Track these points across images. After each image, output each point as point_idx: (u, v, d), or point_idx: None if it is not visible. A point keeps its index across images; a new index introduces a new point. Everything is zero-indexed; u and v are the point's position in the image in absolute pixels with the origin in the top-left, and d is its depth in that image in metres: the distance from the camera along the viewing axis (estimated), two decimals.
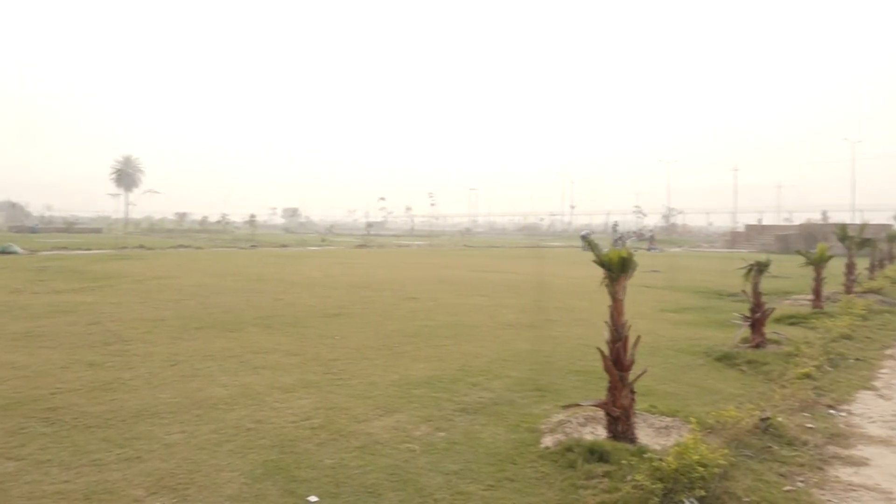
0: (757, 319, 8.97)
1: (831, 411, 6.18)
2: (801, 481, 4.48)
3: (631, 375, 5.10)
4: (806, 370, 7.23)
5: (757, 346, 8.76)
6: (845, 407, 6.38)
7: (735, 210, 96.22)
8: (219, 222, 78.47)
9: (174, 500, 4.01)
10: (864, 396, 6.83)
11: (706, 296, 16.26)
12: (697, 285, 18.54)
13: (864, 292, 15.43)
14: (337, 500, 4.05)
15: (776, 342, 9.12)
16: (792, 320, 11.67)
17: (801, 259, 13.93)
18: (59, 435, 5.11)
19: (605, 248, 5.34)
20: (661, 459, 4.09)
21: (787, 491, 4.27)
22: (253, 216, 70.88)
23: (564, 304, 13.75)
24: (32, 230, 57.17)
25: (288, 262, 26.64)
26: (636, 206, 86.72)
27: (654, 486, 3.86)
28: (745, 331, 9.16)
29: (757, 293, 9.13)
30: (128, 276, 18.31)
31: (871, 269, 20.37)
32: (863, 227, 18.41)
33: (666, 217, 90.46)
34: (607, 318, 5.23)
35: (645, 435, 5.18)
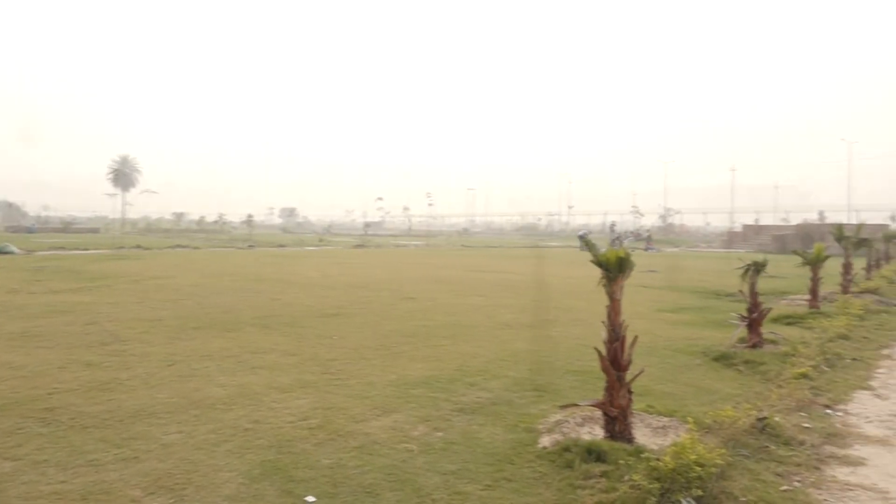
0: (754, 319, 8.99)
1: (828, 411, 6.20)
2: (798, 481, 4.49)
3: (628, 375, 5.11)
4: (803, 370, 7.25)
5: (754, 346, 8.78)
6: (842, 407, 6.40)
7: (732, 210, 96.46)
8: (216, 222, 78.42)
9: (171, 501, 4.01)
10: (861, 396, 6.84)
11: (703, 296, 16.28)
12: (695, 285, 18.55)
13: (861, 292, 15.47)
14: (335, 500, 4.05)
15: (773, 342, 9.13)
16: (789, 320, 11.69)
17: (798, 259, 13.95)
18: (55, 435, 5.10)
19: (603, 248, 5.34)
20: (658, 459, 4.10)
21: (784, 491, 4.28)
22: (250, 216, 70.92)
23: (562, 304, 13.75)
24: (29, 230, 57.08)
25: (285, 262, 26.61)
26: (633, 206, 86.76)
27: (651, 486, 3.86)
28: (742, 331, 9.17)
29: (754, 293, 9.14)
30: (125, 276, 18.28)
31: (868, 269, 20.41)
32: (859, 227, 18.45)
33: (663, 217, 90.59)
34: (605, 317, 5.23)
35: (642, 435, 5.19)
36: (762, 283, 10.04)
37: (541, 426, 5.46)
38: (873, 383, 7.41)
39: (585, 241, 6.11)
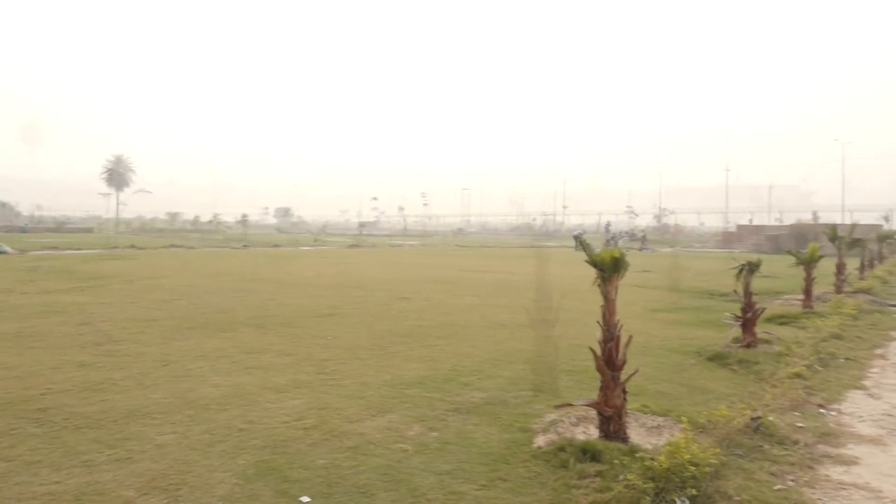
0: (748, 319, 9.01)
1: (822, 410, 6.22)
2: (792, 480, 4.50)
3: (623, 375, 5.12)
4: (797, 370, 7.27)
5: (748, 346, 8.80)
6: (836, 406, 6.42)
7: (727, 210, 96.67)
8: (210, 222, 78.13)
9: (166, 501, 3.99)
10: (855, 396, 6.87)
11: (698, 296, 16.31)
12: (689, 285, 18.59)
13: (855, 292, 15.54)
14: (329, 501, 4.05)
15: (767, 342, 9.16)
16: (783, 320, 11.73)
17: (792, 259, 14.00)
18: (49, 436, 5.08)
19: (598, 248, 5.35)
20: (652, 459, 4.11)
21: (778, 490, 4.29)
22: (245, 216, 70.73)
23: (557, 304, 13.75)
24: (23, 230, 56.84)
25: (280, 262, 26.57)
26: (628, 206, 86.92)
27: (645, 486, 3.87)
28: (736, 330, 9.19)
29: (748, 293, 9.17)
30: (119, 276, 18.22)
31: (862, 269, 20.51)
32: (853, 227, 18.56)
33: (658, 217, 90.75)
34: (599, 317, 5.24)
35: (637, 434, 5.20)
36: (756, 283, 10.07)
37: (536, 426, 5.46)
38: (867, 383, 7.44)
39: (580, 241, 6.11)
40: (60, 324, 10.15)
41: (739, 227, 62.29)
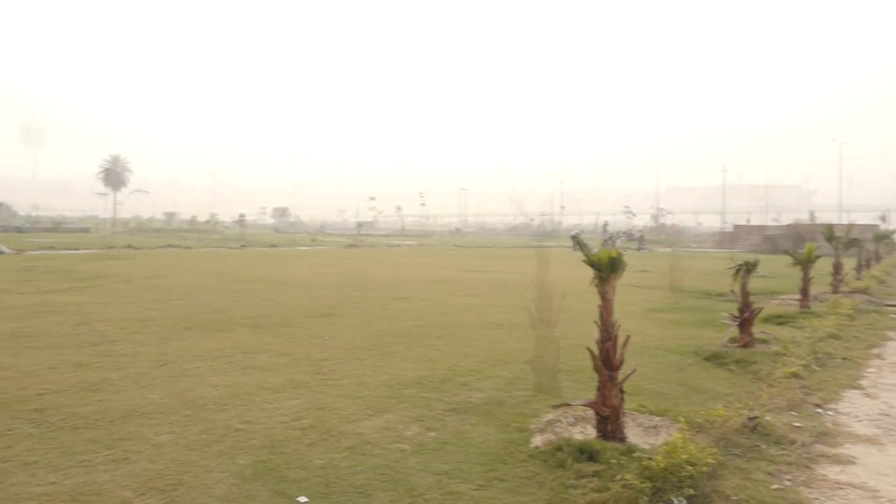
0: (745, 319, 9.02)
1: (819, 410, 6.23)
2: (789, 480, 4.51)
3: (620, 375, 5.12)
4: (794, 369, 7.28)
5: (745, 346, 8.82)
6: (832, 406, 6.44)
7: (724, 210, 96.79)
8: (208, 222, 77.99)
9: (163, 502, 3.99)
10: (851, 395, 6.88)
11: (695, 296, 16.34)
12: (686, 285, 18.60)
13: (851, 292, 15.58)
14: (327, 501, 4.04)
15: (764, 342, 9.18)
16: (780, 320, 11.75)
17: (789, 259, 14.03)
18: (46, 436, 5.07)
19: (595, 248, 5.35)
20: (650, 458, 4.11)
21: (775, 489, 4.30)
22: (242, 216, 70.60)
23: (554, 304, 13.75)
24: (19, 230, 56.64)
25: (278, 262, 26.54)
26: (626, 206, 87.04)
27: (643, 486, 3.87)
28: (733, 330, 9.21)
29: (745, 293, 9.18)
30: (116, 276, 18.19)
31: (858, 268, 20.57)
32: (850, 227, 18.59)
33: (655, 217, 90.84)
34: (597, 317, 5.24)
35: (634, 434, 5.20)
36: (753, 283, 10.09)
37: (533, 426, 5.46)
38: (863, 382, 7.45)
39: (578, 241, 6.12)
40: (57, 324, 10.13)
41: (736, 227, 62.38)
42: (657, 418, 5.63)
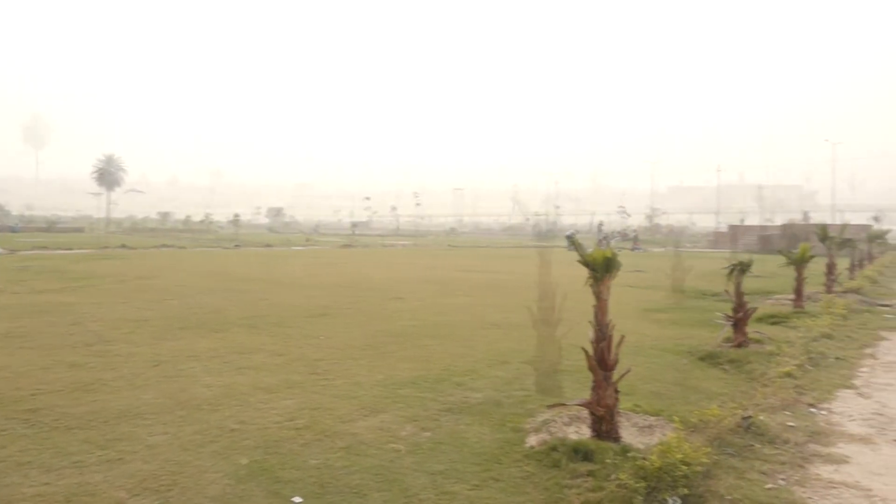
0: (739, 319, 9.05)
1: (812, 410, 6.25)
2: (783, 479, 4.53)
3: (615, 375, 5.13)
4: (787, 369, 7.31)
5: (739, 346, 8.84)
6: (826, 405, 6.46)
7: (718, 210, 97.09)
8: (202, 222, 77.73)
9: (157, 502, 3.98)
10: (845, 395, 6.91)
11: (690, 295, 16.37)
12: (681, 285, 18.64)
13: (845, 292, 15.63)
14: (322, 501, 4.04)
15: (758, 341, 9.20)
16: (774, 320, 11.79)
17: (783, 259, 14.08)
18: (39, 436, 5.05)
19: (590, 247, 5.36)
20: (644, 458, 4.12)
21: (769, 489, 4.31)
22: (237, 216, 70.38)
23: (550, 304, 13.76)
24: (13, 229, 56.38)
25: (272, 262, 26.49)
26: (620, 206, 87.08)
27: (637, 485, 3.88)
28: (727, 330, 9.23)
29: (739, 293, 9.21)
30: (110, 276, 18.12)
31: (851, 269, 20.63)
32: (843, 227, 18.67)
33: (650, 217, 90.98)
34: (592, 317, 5.25)
35: (629, 434, 5.21)
36: (747, 283, 10.12)
37: (528, 426, 5.47)
38: (856, 382, 7.49)
39: (573, 241, 6.13)
40: (51, 324, 10.09)
41: (731, 227, 62.52)
42: (652, 418, 5.64)
